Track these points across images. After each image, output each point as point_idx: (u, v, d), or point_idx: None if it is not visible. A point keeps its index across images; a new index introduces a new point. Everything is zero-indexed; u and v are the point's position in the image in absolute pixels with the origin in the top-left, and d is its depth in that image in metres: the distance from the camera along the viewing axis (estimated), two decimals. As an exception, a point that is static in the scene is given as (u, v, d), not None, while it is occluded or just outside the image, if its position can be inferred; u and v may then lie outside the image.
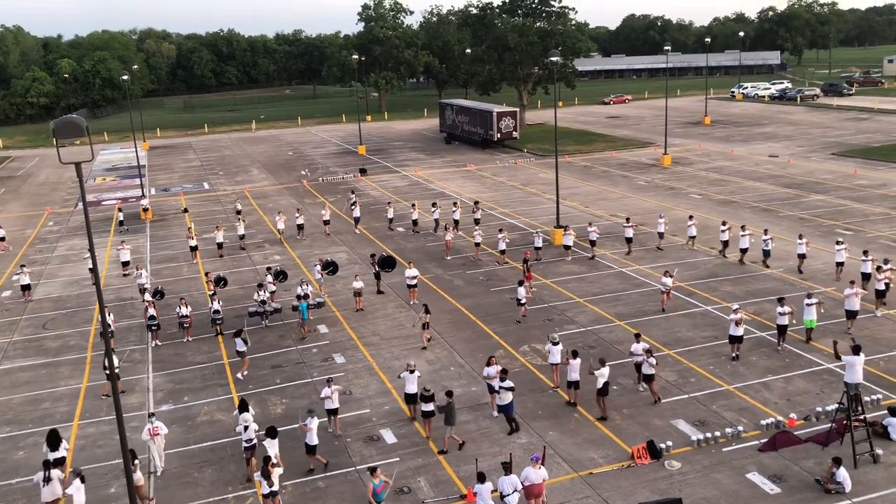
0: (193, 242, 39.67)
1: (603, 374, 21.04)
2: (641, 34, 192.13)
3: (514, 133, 73.56)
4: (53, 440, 19.42)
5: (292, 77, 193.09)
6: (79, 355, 28.18)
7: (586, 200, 48.60)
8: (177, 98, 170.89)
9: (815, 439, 19.50)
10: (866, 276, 28.86)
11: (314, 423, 19.29)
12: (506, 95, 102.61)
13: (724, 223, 35.61)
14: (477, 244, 37.19)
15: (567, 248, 36.34)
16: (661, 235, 37.39)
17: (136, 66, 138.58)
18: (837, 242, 31.49)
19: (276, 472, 17.36)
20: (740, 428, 20.14)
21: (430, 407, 20.60)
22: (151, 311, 28.62)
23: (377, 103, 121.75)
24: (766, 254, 33.20)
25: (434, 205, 44.21)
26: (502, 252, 36.03)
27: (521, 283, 29.19)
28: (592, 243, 36.34)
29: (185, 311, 28.65)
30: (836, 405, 19.82)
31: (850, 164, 56.39)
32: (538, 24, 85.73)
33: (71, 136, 13.89)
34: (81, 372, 26.65)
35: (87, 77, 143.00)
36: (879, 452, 18.64)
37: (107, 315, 21.91)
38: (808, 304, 24.99)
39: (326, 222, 43.87)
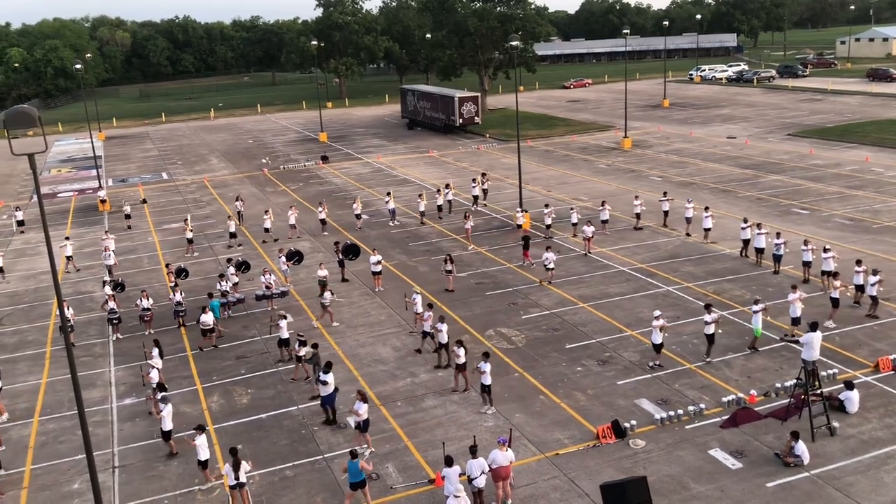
0: (189, 235, 38.43)
1: (486, 370, 20.87)
2: (600, 18, 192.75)
3: (476, 118, 73.55)
4: None
5: (250, 64, 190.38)
6: (37, 350, 27.66)
7: (548, 185, 48.85)
8: (132, 87, 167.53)
9: (775, 414, 19.95)
10: (859, 288, 26.46)
11: (200, 440, 18.53)
12: (467, 81, 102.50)
13: (745, 220, 32.56)
14: (519, 226, 37.67)
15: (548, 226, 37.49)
16: (666, 214, 37.35)
17: (89, 55, 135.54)
18: (825, 250, 28.30)
19: (244, 466, 17.25)
20: (702, 406, 20.51)
21: (302, 351, 23.24)
22: (112, 304, 28.21)
23: (337, 90, 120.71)
24: (777, 259, 29.92)
25: (447, 186, 43.98)
26: (548, 226, 37.36)
27: (548, 249, 31.12)
28: (604, 222, 37.25)
29: (146, 303, 28.26)
30: (795, 381, 20.27)
31: (805, 145, 57.43)
32: (498, 8, 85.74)
33: (23, 126, 13.58)
34: (41, 367, 26.16)
35: (39, 66, 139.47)
36: (836, 425, 19.13)
37: (66, 308, 21.54)
38: (755, 312, 23.35)
39: (292, 226, 40.87)
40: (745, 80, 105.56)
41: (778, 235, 30.21)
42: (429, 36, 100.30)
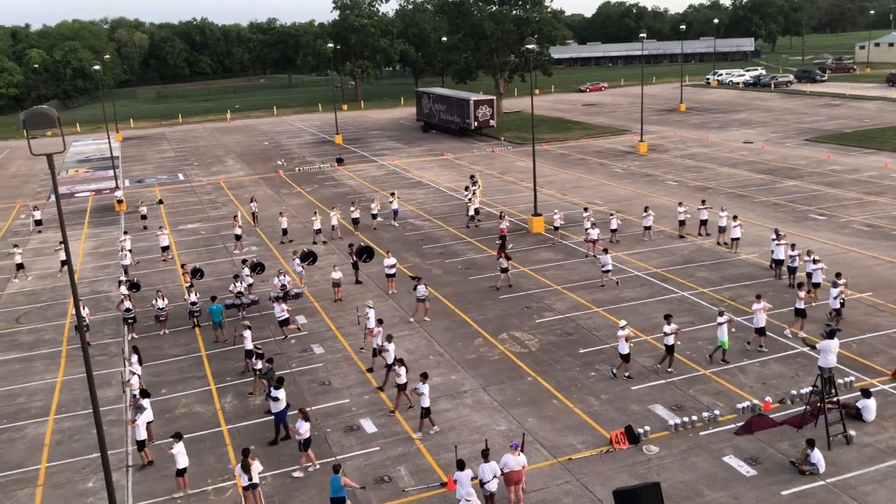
0: (238, 231, 39.06)
1: (424, 392, 20.42)
2: (617, 21, 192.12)
3: (491, 121, 73.53)
4: None
5: (267, 66, 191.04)
6: (54, 349, 27.87)
7: (563, 188, 48.73)
8: (150, 88, 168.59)
9: (790, 422, 19.78)
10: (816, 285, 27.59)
11: (177, 447, 18.47)
12: (482, 84, 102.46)
13: (776, 231, 31.26)
14: (556, 228, 37.24)
15: (556, 229, 37.21)
16: (682, 223, 36.78)
17: (107, 56, 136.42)
18: (814, 261, 28.00)
19: (256, 466, 17.29)
20: (717, 412, 20.38)
21: (259, 365, 23.10)
22: (127, 304, 28.39)
23: (353, 92, 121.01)
24: (792, 270, 29.37)
25: (467, 189, 43.67)
26: (556, 229, 37.13)
27: (605, 251, 31.15)
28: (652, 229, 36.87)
29: (161, 303, 28.43)
30: (811, 388, 20.10)
31: (823, 150, 56.97)
32: (514, 11, 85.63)
33: (42, 126, 13.70)
34: (57, 366, 26.36)
35: (58, 67, 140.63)
36: (852, 434, 18.95)
37: (81, 308, 21.67)
38: (720, 324, 23.18)
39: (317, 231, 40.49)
40: (763, 84, 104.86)
41: (793, 248, 29.67)
42: (444, 39, 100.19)
